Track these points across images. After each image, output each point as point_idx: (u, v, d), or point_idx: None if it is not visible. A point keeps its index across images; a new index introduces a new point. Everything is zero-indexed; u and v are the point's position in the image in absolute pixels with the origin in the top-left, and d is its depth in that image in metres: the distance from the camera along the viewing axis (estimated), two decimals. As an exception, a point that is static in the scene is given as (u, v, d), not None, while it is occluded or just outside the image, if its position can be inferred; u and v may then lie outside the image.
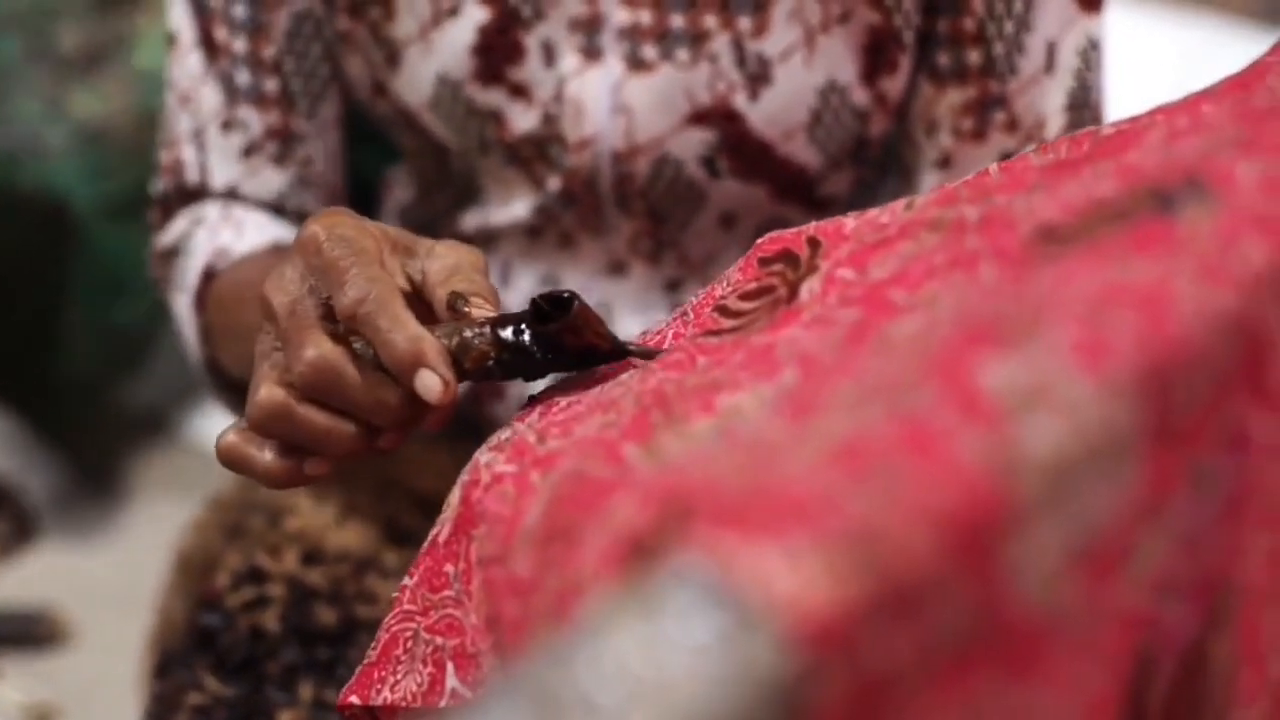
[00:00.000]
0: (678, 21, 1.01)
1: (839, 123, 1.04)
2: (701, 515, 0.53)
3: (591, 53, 1.02)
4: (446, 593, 0.77)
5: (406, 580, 0.79)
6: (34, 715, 1.90)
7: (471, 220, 1.12)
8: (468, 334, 0.80)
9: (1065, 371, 0.58)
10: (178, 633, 1.11)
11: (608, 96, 1.03)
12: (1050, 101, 1.04)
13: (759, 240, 0.82)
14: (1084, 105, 1.05)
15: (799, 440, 0.57)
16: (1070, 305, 0.60)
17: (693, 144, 1.03)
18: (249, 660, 1.05)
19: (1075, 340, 0.59)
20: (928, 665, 0.54)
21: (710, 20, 1.01)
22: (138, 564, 2.01)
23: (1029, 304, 0.61)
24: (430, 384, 0.77)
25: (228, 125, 1.08)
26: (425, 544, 0.78)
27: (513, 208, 1.09)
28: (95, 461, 2.29)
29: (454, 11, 1.03)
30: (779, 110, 1.03)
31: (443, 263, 0.83)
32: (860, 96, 1.04)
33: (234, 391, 1.10)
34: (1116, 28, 1.05)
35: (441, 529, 0.77)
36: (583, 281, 1.11)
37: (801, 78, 1.02)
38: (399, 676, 0.78)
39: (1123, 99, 1.08)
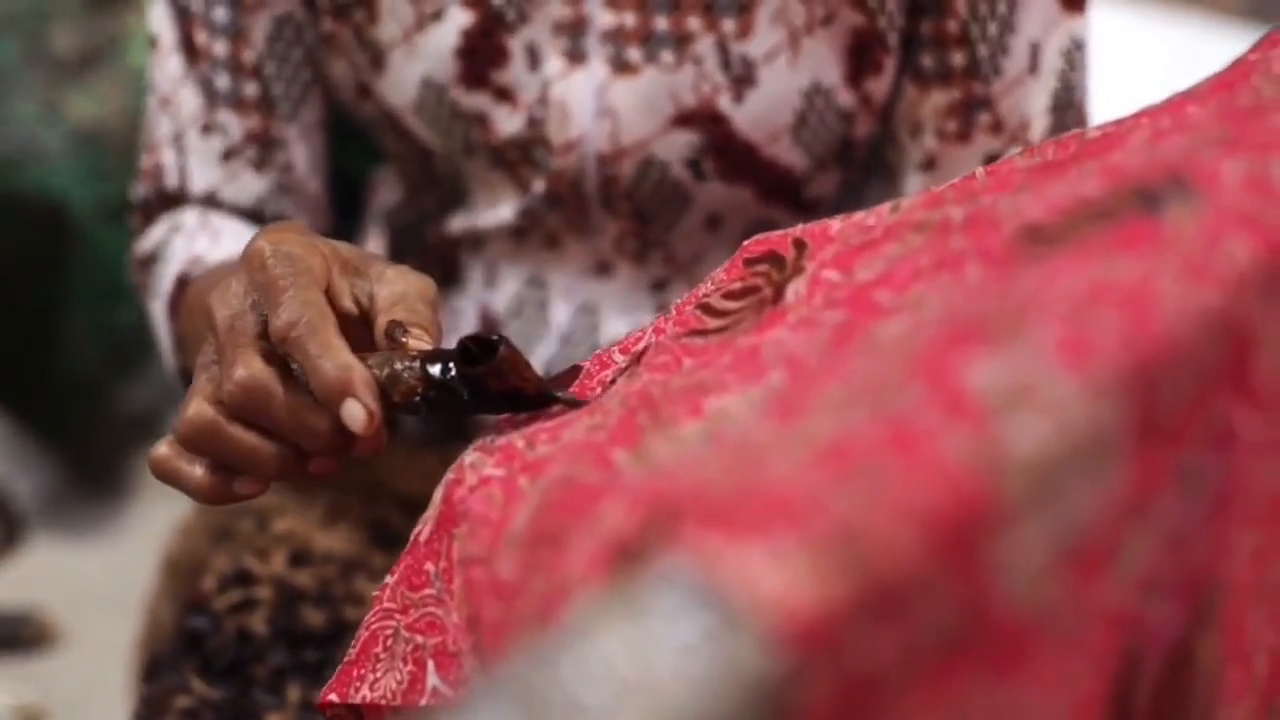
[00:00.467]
0: (662, 24, 1.01)
1: (824, 124, 1.04)
2: (688, 517, 0.53)
3: (576, 56, 1.02)
4: (427, 591, 0.76)
5: (387, 579, 0.79)
6: (23, 717, 1.90)
7: (457, 223, 1.12)
8: (399, 366, 0.80)
9: (1050, 371, 0.58)
10: (165, 635, 1.11)
11: (592, 99, 1.03)
12: (1034, 102, 1.04)
13: (745, 242, 0.83)
14: (1068, 106, 1.05)
15: (785, 441, 0.57)
16: (1055, 304, 0.60)
17: (678, 146, 1.03)
18: (237, 663, 1.05)
19: (1060, 339, 0.59)
20: (913, 665, 0.54)
21: (694, 22, 1.01)
22: (129, 566, 2.02)
23: (1014, 303, 0.61)
24: (355, 414, 0.77)
25: (207, 129, 1.08)
26: (408, 543, 0.78)
27: (498, 210, 1.09)
28: (92, 463, 2.29)
29: (437, 15, 1.03)
30: (764, 112, 1.03)
31: (390, 289, 0.82)
32: (845, 98, 1.04)
33: None
34: (1105, 26, 1.05)
35: (423, 528, 0.77)
36: (569, 282, 1.11)
37: (786, 80, 1.02)
38: (378, 674, 0.78)
39: (1111, 97, 1.08)
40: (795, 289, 0.78)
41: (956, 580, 0.54)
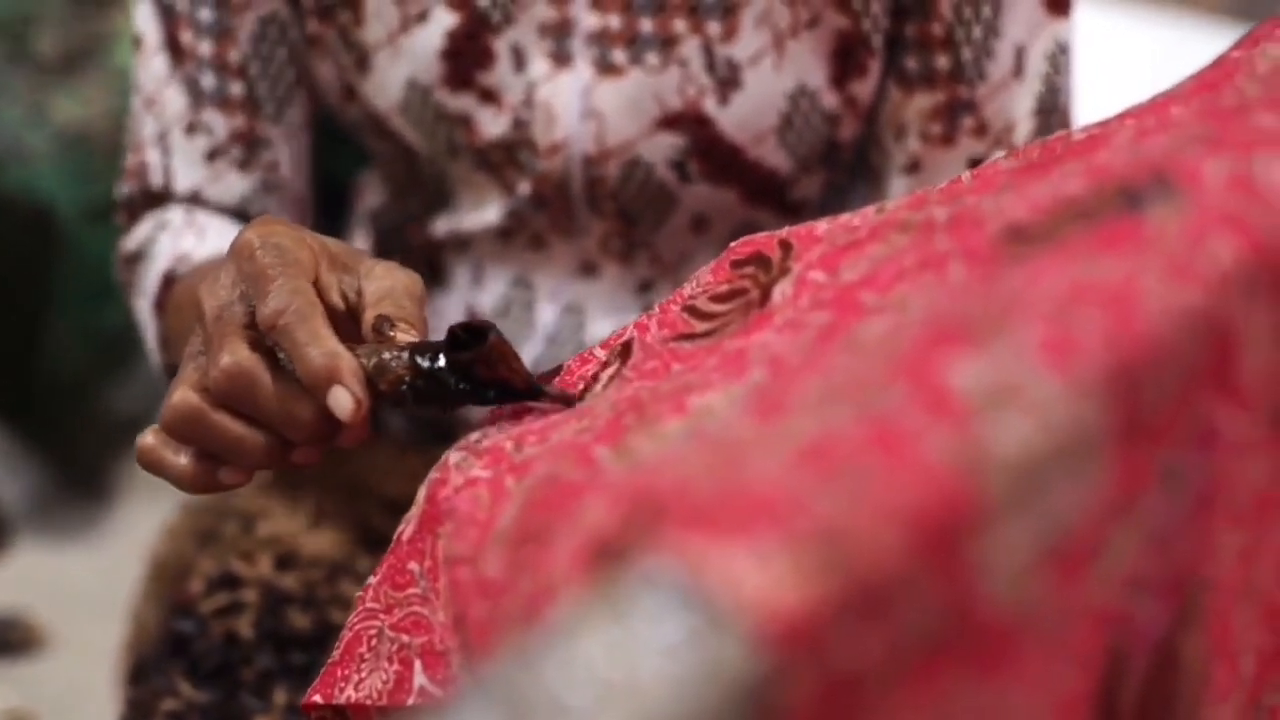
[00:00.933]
0: (647, 26, 1.01)
1: (809, 126, 1.04)
2: (671, 517, 0.53)
3: (561, 58, 1.02)
4: (412, 590, 0.76)
5: (370, 579, 0.79)
6: (10, 722, 1.90)
7: (442, 225, 1.11)
8: (386, 356, 0.80)
9: (1033, 371, 0.58)
10: (152, 639, 1.11)
11: (578, 101, 1.03)
12: (1019, 106, 1.04)
13: (732, 244, 0.82)
14: (1052, 109, 1.05)
15: (768, 440, 0.57)
16: (1038, 304, 0.60)
17: (663, 148, 1.03)
18: (223, 666, 1.05)
19: (1043, 339, 0.59)
20: (897, 664, 0.54)
21: (679, 25, 1.01)
22: (116, 569, 2.01)
23: (997, 303, 0.61)
24: (343, 401, 0.77)
25: (192, 128, 1.08)
26: (391, 543, 0.78)
27: (484, 212, 1.09)
28: (78, 465, 2.28)
29: (422, 17, 1.03)
30: (749, 115, 1.03)
31: (378, 285, 0.83)
32: (830, 100, 1.04)
33: None
34: (1089, 26, 1.05)
35: (406, 527, 0.77)
36: (555, 283, 1.10)
37: (771, 82, 1.02)
38: (363, 674, 0.78)
39: (1095, 97, 1.08)
40: (782, 290, 0.78)
41: (940, 580, 0.54)
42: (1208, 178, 0.66)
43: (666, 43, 1.01)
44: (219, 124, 1.08)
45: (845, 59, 1.03)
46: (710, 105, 1.02)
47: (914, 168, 1.05)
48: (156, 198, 1.10)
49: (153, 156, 1.09)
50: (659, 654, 0.49)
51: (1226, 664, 0.71)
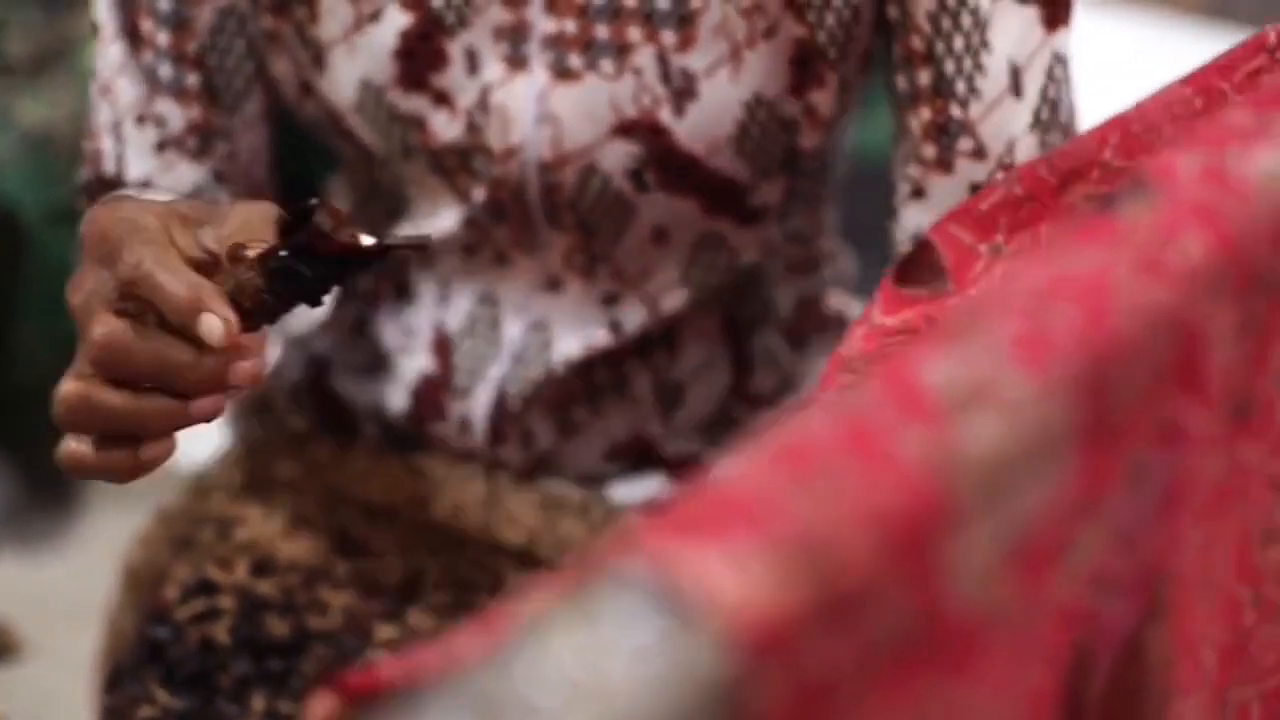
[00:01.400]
0: (603, 32, 1.00)
1: (767, 135, 1.03)
2: (643, 518, 0.53)
3: (516, 61, 1.02)
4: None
5: None
6: (-13, 730, 1.89)
7: (404, 235, 1.11)
8: (243, 275, 0.82)
9: (1006, 368, 0.58)
10: (128, 646, 1.10)
11: (533, 105, 1.02)
12: (1019, 124, 1.00)
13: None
14: (1053, 125, 1.01)
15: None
16: (1013, 299, 0.60)
17: (619, 156, 1.03)
18: (200, 673, 1.05)
19: (1017, 335, 0.59)
20: (870, 667, 0.53)
21: (634, 33, 1.00)
22: (91, 577, 2.01)
23: (973, 299, 0.61)
24: (213, 325, 0.79)
25: (142, 119, 1.07)
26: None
27: (440, 219, 1.08)
28: (48, 472, 2.27)
29: (376, 16, 1.02)
30: (704, 125, 1.02)
31: (231, 224, 0.85)
32: (789, 108, 1.03)
33: None
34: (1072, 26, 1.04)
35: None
36: (520, 298, 1.10)
37: (727, 93, 1.01)
38: None
39: (1077, 95, 1.07)
40: None
41: (911, 581, 0.54)
42: (1181, 172, 0.66)
43: (621, 50, 1.00)
44: (174, 114, 1.07)
45: (803, 68, 1.02)
46: (665, 115, 1.01)
47: (919, 194, 1.03)
48: (110, 185, 1.10)
49: (107, 144, 1.09)
50: (630, 656, 0.49)
51: (1190, 658, 0.72)
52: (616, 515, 1.12)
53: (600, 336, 1.10)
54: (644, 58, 1.00)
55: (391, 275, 1.14)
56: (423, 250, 0.83)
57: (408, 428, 1.14)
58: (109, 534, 2.14)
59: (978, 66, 0.99)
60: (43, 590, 2.12)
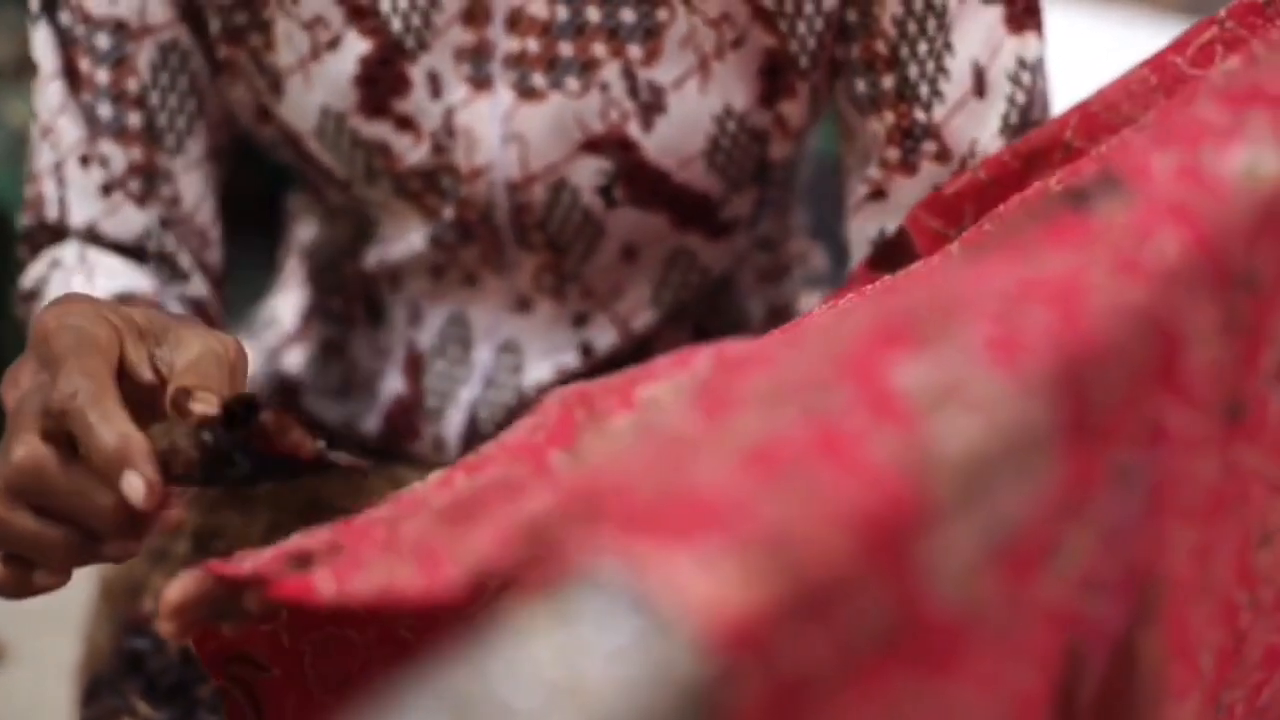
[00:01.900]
0: (566, 50, 0.99)
1: (737, 146, 1.02)
2: (613, 518, 0.53)
3: (480, 82, 1.00)
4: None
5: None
6: (-31, 739, 1.89)
7: (372, 257, 1.10)
8: (179, 436, 0.76)
9: (979, 369, 0.58)
10: (105, 658, 1.10)
11: (499, 125, 1.01)
12: (985, 126, 0.99)
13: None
14: (1023, 127, 1.00)
15: (713, 440, 0.57)
16: (984, 303, 0.60)
17: (588, 172, 1.01)
18: (180, 684, 1.04)
19: (989, 337, 0.59)
20: (846, 666, 0.53)
21: (599, 48, 0.98)
22: (74, 583, 2.00)
23: (943, 302, 0.61)
24: (134, 485, 0.74)
25: (86, 160, 1.03)
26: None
27: (408, 239, 1.07)
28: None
29: (334, 44, 1.00)
30: (674, 139, 1.00)
31: (186, 355, 0.79)
32: (759, 119, 1.01)
33: None
34: (1047, 23, 1.03)
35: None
36: (490, 320, 1.09)
37: (696, 106, 1.00)
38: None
39: (1056, 92, 1.07)
40: None
41: (887, 581, 0.54)
42: (1156, 171, 0.66)
43: (586, 66, 0.99)
44: (117, 156, 1.03)
45: (773, 78, 1.00)
46: (634, 129, 1.00)
47: (878, 195, 1.01)
48: (54, 231, 1.05)
49: (49, 188, 1.04)
50: (606, 657, 0.49)
51: (1185, 662, 0.72)
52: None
53: (571, 360, 1.10)
54: (610, 73, 0.99)
55: (363, 297, 1.13)
56: (362, 475, 0.78)
57: (382, 445, 1.14)
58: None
59: (941, 69, 0.98)
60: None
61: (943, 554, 0.55)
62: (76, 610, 1.48)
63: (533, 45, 0.99)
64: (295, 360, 1.19)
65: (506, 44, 0.99)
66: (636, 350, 1.11)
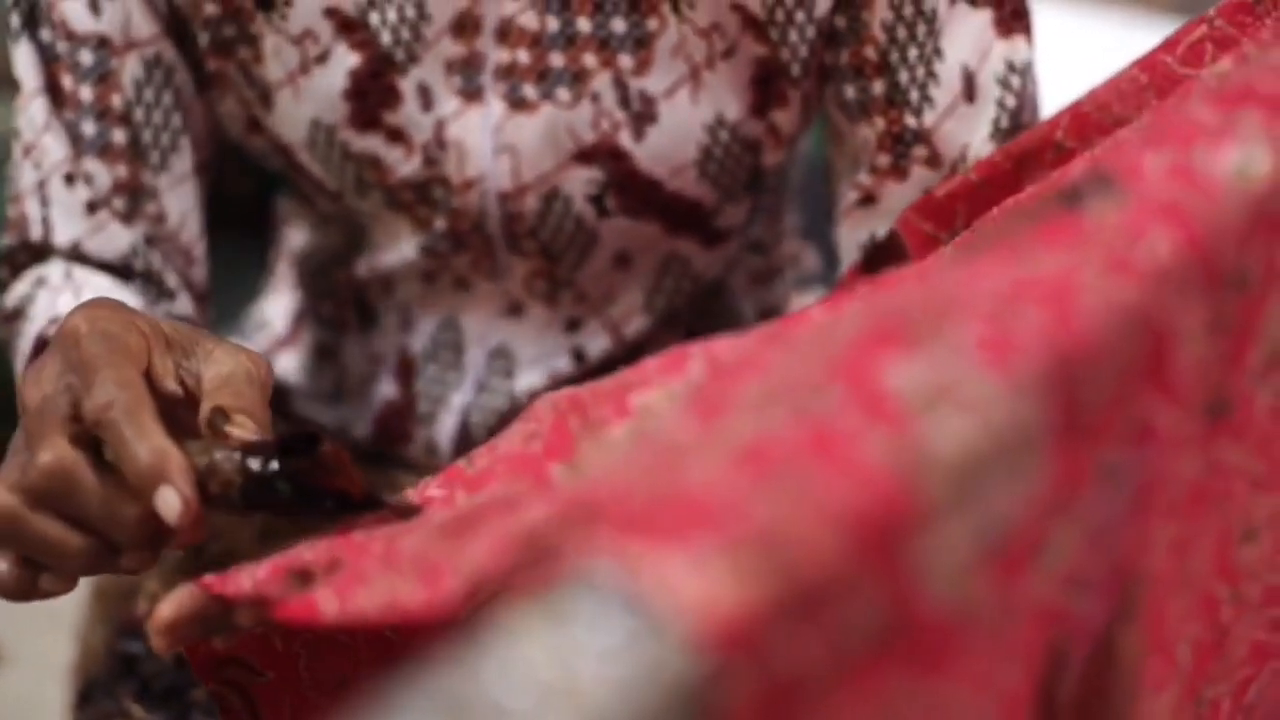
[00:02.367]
0: (557, 61, 0.98)
1: (730, 155, 1.01)
2: (608, 521, 0.53)
3: (471, 94, 0.99)
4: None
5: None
6: (-37, 741, 1.89)
7: (363, 265, 1.10)
8: (218, 456, 0.75)
9: (971, 369, 0.58)
10: (99, 661, 1.09)
11: (490, 137, 1.00)
12: (975, 131, 0.99)
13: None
14: (1013, 131, 0.99)
15: (706, 443, 0.57)
16: (976, 303, 0.60)
17: (580, 182, 1.01)
18: (174, 687, 1.04)
19: (981, 338, 0.59)
20: (839, 665, 0.53)
21: (590, 59, 0.98)
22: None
23: (935, 303, 0.61)
24: (171, 502, 0.72)
25: (70, 179, 1.01)
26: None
27: (400, 248, 1.06)
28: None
29: (323, 58, 0.99)
30: (666, 148, 1.00)
31: (217, 370, 0.78)
32: (751, 129, 1.01)
33: None
34: (1039, 24, 1.03)
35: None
36: (482, 325, 1.09)
37: (688, 115, 0.99)
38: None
39: (1047, 93, 1.07)
40: None
41: (880, 581, 0.54)
42: (1148, 171, 0.66)
43: (577, 77, 0.98)
44: (102, 174, 1.01)
45: (765, 87, 1.00)
46: (625, 139, 0.99)
47: (868, 200, 1.01)
48: (37, 251, 1.03)
49: (32, 208, 1.02)
50: (599, 657, 0.49)
51: (1162, 656, 0.72)
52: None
53: (564, 365, 1.10)
54: (601, 83, 0.98)
55: (354, 302, 1.13)
56: (413, 516, 0.77)
57: (373, 450, 1.14)
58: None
59: (931, 74, 0.98)
60: (19, 598, 2.11)
61: (935, 554, 0.55)
62: (72, 611, 1.48)
63: (523, 56, 0.98)
64: (286, 364, 1.19)
65: (497, 55, 0.99)
66: (629, 355, 1.10)
